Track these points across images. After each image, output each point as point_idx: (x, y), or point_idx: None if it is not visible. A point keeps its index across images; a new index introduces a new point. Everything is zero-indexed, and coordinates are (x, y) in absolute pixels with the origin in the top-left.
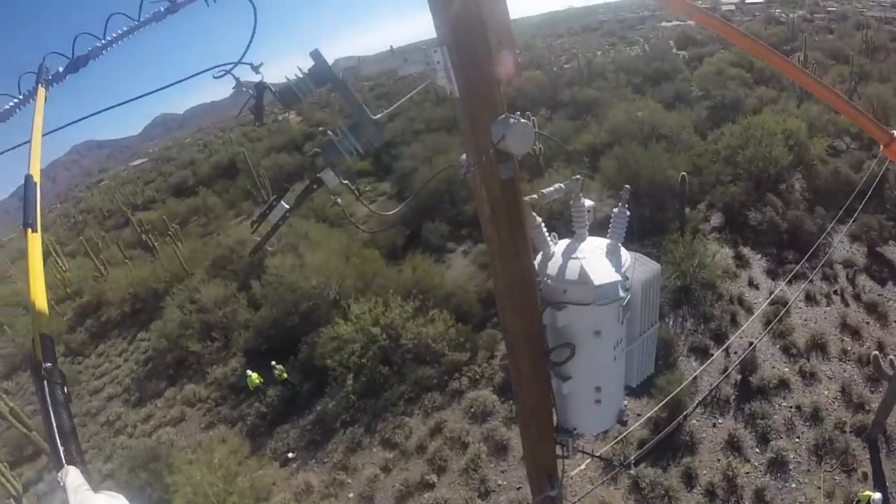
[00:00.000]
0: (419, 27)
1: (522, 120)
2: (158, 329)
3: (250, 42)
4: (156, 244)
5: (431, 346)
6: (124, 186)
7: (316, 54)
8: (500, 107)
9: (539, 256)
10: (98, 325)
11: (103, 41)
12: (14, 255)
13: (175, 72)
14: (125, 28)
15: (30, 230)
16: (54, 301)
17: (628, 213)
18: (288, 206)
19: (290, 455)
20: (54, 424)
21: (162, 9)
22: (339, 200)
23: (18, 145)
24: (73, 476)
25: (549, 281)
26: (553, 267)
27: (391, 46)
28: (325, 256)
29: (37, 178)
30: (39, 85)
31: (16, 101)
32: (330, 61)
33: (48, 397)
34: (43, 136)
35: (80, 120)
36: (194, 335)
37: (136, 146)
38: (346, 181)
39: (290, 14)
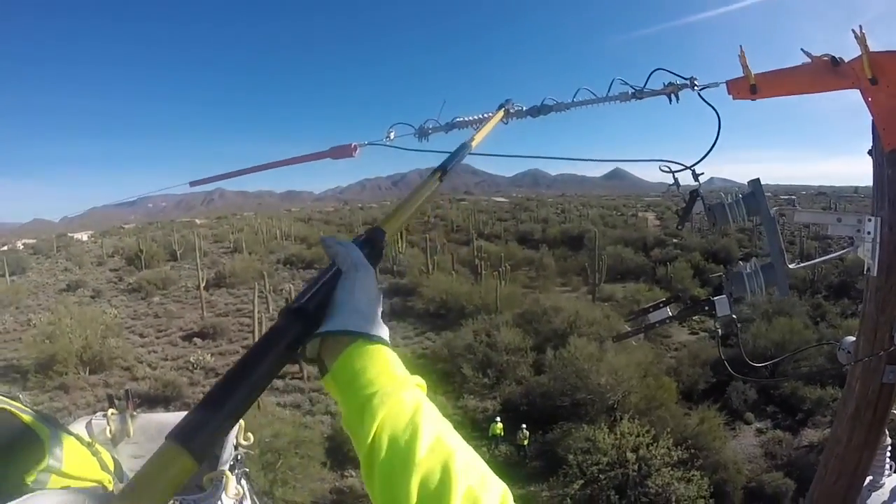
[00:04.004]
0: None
1: None
2: (447, 340)
3: (711, 149)
4: (483, 272)
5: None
6: (480, 214)
7: (755, 184)
8: None
9: (867, 480)
10: (402, 307)
11: (566, 101)
12: None
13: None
14: (585, 98)
15: (439, 174)
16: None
17: None
18: (671, 315)
19: None
20: None
21: (629, 91)
22: (720, 330)
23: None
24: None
25: None
26: (876, 500)
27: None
28: (625, 362)
29: (474, 146)
30: (503, 108)
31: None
32: None
33: None
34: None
35: (492, 155)
36: (473, 362)
37: (504, 185)
38: (734, 315)
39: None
